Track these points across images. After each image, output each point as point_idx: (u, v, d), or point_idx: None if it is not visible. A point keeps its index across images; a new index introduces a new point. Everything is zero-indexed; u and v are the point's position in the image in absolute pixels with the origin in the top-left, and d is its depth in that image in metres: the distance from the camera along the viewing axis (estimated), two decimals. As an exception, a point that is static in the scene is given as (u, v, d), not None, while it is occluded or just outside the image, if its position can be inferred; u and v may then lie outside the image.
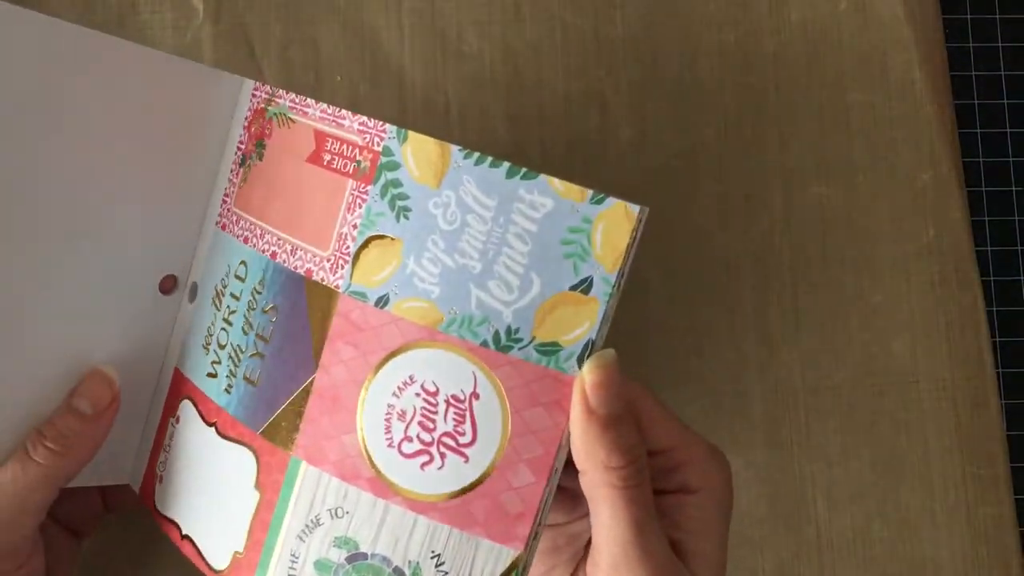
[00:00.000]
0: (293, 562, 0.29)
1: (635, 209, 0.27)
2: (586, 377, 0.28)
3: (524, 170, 0.28)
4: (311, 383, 0.29)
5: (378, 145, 0.29)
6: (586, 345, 0.28)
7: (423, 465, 0.28)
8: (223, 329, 0.32)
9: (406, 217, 0.28)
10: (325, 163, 0.30)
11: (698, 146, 0.41)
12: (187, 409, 0.32)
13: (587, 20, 0.42)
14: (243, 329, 0.31)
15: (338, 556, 0.28)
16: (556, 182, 0.28)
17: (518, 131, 0.41)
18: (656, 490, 0.30)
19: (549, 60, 0.41)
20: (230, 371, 0.31)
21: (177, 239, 0.33)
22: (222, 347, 0.32)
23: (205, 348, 0.32)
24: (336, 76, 0.41)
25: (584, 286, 0.28)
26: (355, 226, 0.29)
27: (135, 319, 0.33)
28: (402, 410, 0.28)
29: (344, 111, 0.30)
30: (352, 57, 0.41)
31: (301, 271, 0.30)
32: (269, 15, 0.41)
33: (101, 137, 0.30)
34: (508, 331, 0.28)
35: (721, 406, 0.40)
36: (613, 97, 0.41)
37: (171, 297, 0.34)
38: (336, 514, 0.28)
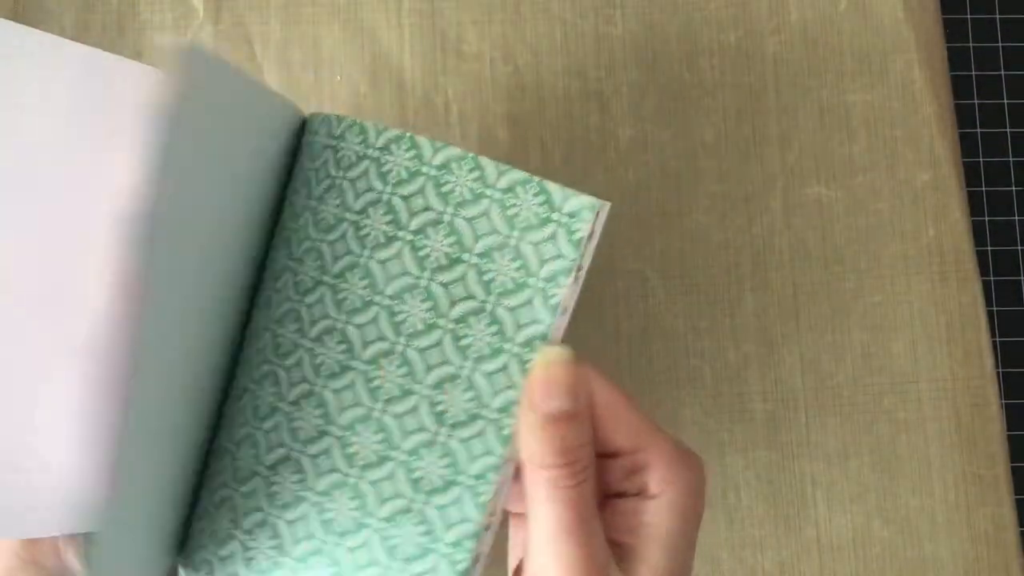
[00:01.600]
0: None
1: (595, 204, 0.28)
2: (535, 371, 0.28)
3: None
4: None
5: None
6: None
7: None
8: None
9: None
10: None
11: (698, 146, 0.41)
12: None
13: (587, 20, 0.42)
14: None
15: None
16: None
17: (518, 131, 0.41)
18: (616, 492, 0.29)
19: (549, 60, 0.41)
20: None
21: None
22: None
23: None
24: (336, 76, 0.41)
25: None
26: None
27: None
28: None
29: None
30: (352, 57, 0.41)
31: None
32: (269, 15, 0.41)
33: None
34: None
35: (721, 406, 0.40)
36: (613, 97, 0.41)
37: None
38: None
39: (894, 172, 0.41)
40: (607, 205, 0.28)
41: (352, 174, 0.29)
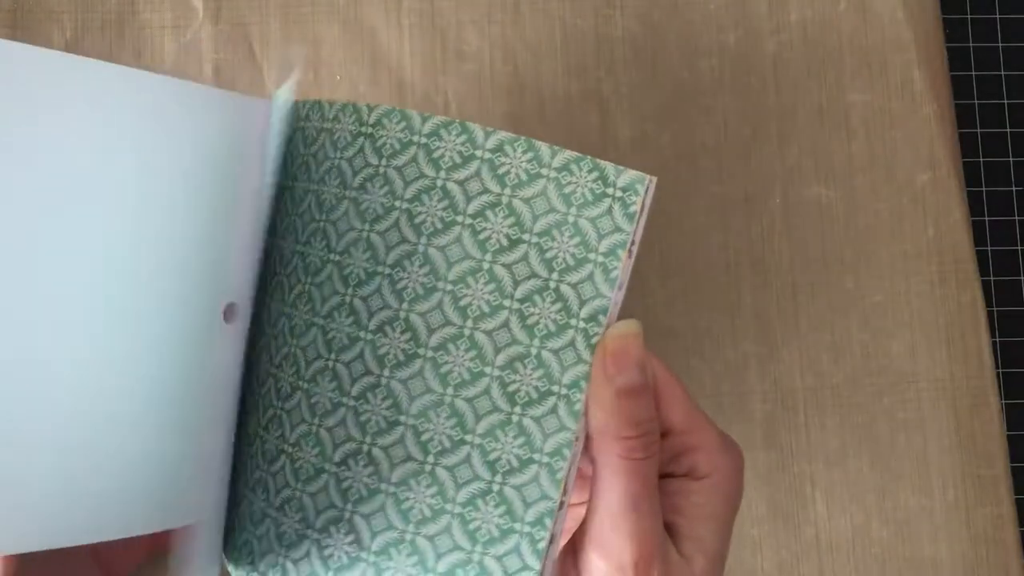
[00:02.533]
0: None
1: (644, 178, 0.28)
2: (607, 344, 0.28)
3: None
4: None
5: None
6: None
7: None
8: None
9: None
10: None
11: (698, 146, 0.41)
12: None
13: (587, 20, 0.42)
14: None
15: None
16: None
17: (517, 131, 0.41)
18: (665, 472, 0.30)
19: (549, 60, 0.41)
20: None
21: (234, 265, 0.33)
22: None
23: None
24: (336, 76, 0.41)
25: None
26: None
27: (204, 350, 0.32)
28: None
29: None
30: (352, 57, 0.41)
31: None
32: (269, 15, 0.41)
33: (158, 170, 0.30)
34: None
35: (721, 406, 0.40)
36: (613, 97, 0.41)
37: (233, 325, 0.33)
38: None
39: (894, 172, 0.41)
40: (655, 179, 0.28)
41: (398, 162, 0.29)
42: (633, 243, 0.28)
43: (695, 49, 0.42)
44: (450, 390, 0.28)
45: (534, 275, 0.28)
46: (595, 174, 0.29)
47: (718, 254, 0.41)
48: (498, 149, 0.29)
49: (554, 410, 0.28)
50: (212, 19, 0.41)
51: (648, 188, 0.28)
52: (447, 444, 0.28)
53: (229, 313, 0.32)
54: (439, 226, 0.29)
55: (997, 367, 0.42)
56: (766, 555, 0.40)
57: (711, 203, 0.41)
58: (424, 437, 0.28)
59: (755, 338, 0.41)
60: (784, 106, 0.42)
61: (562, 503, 0.28)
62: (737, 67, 0.42)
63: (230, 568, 0.31)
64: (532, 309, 0.28)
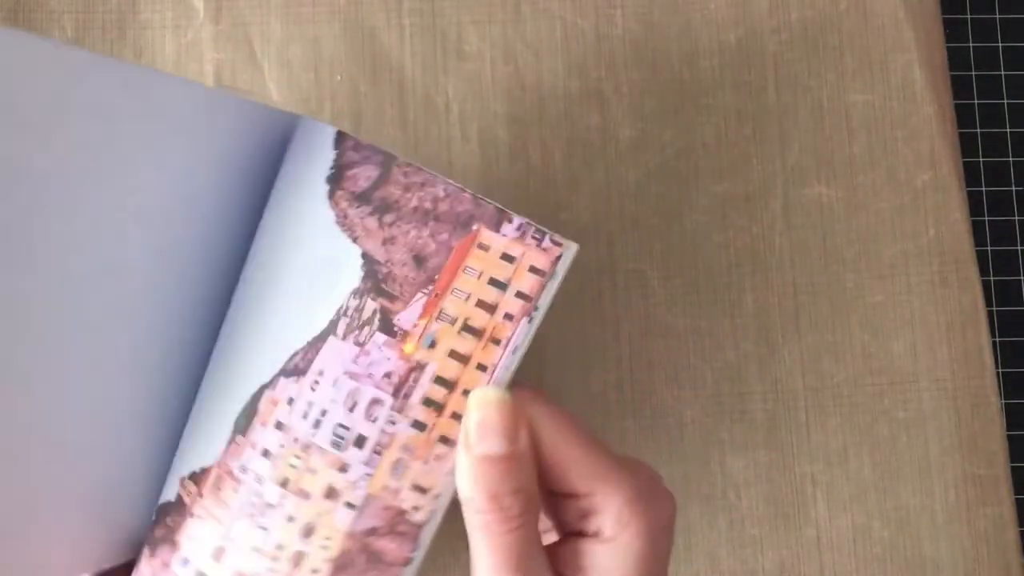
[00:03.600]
0: None
1: (558, 246, 0.27)
2: (469, 412, 0.27)
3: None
4: None
5: None
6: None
7: None
8: None
9: None
10: None
11: (698, 146, 0.41)
12: None
13: (587, 19, 0.42)
14: None
15: None
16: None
17: (518, 131, 0.41)
18: (574, 531, 0.29)
19: (549, 60, 0.41)
20: None
21: None
22: None
23: None
24: (336, 76, 0.41)
25: None
26: None
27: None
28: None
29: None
30: (352, 57, 0.41)
31: None
32: (269, 15, 0.41)
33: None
34: None
35: (722, 406, 0.40)
36: (613, 96, 0.41)
37: None
38: None
39: (894, 172, 0.41)
40: (573, 248, 0.27)
41: None
42: (535, 309, 0.28)
43: (696, 48, 0.42)
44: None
45: None
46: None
47: (719, 254, 0.41)
48: None
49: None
50: (212, 19, 0.41)
51: (562, 258, 0.28)
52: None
53: None
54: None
55: (997, 367, 0.42)
56: (767, 555, 0.40)
57: (712, 202, 0.41)
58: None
59: (756, 338, 0.41)
60: (785, 105, 0.42)
61: None
62: (737, 67, 0.42)
63: None
64: None
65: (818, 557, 0.40)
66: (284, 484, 0.28)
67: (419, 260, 0.28)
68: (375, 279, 0.28)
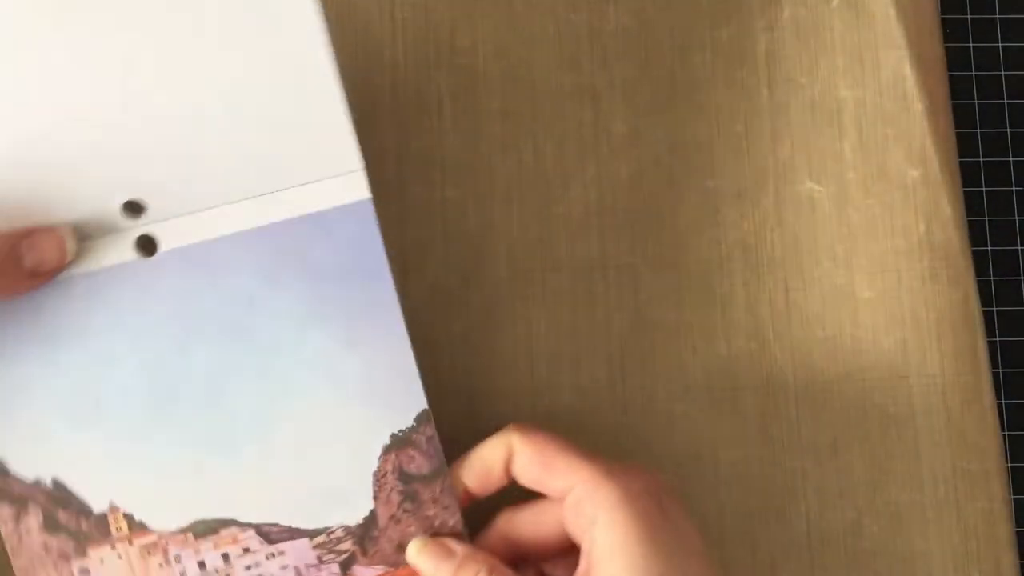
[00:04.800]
0: None
1: None
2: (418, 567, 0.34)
3: None
4: None
5: None
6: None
7: None
8: None
9: None
10: None
11: (690, 142, 0.42)
12: None
13: (580, 15, 0.42)
14: None
15: None
16: None
17: (510, 126, 0.41)
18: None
19: (542, 55, 0.42)
20: None
21: None
22: None
23: None
24: (330, 71, 0.41)
25: None
26: None
27: None
28: None
29: None
30: (344, 51, 0.41)
31: None
32: (264, 10, 0.42)
33: None
34: None
35: (713, 402, 0.41)
36: (606, 92, 0.42)
37: None
38: None
39: (885, 168, 0.42)
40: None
41: None
42: None
43: (688, 44, 0.42)
44: None
45: None
46: None
47: (710, 249, 0.41)
48: None
49: None
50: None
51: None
52: None
53: None
54: None
55: (997, 367, 0.42)
56: (758, 549, 0.40)
57: (703, 198, 0.41)
58: None
59: (747, 333, 0.41)
60: (776, 102, 0.42)
61: None
62: (729, 63, 0.42)
63: None
64: None
65: (808, 552, 0.40)
66: None
67: (400, 548, 0.34)
68: (364, 533, 0.34)
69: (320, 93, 0.33)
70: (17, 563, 0.33)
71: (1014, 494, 0.41)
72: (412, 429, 0.34)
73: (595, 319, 0.41)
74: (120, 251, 0.33)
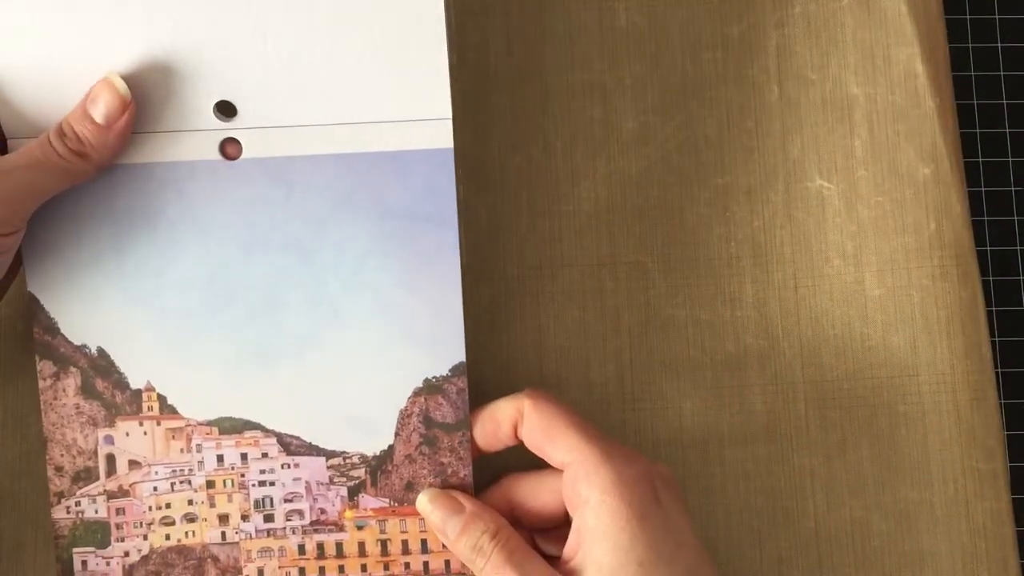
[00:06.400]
0: None
1: None
2: (427, 517, 0.35)
3: None
4: None
5: None
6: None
7: None
8: None
9: None
10: None
11: (700, 139, 0.42)
12: None
13: (590, 12, 0.42)
14: None
15: None
16: None
17: (520, 123, 0.41)
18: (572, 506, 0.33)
19: (551, 52, 0.42)
20: None
21: None
22: None
23: None
24: (339, 66, 0.41)
25: None
26: None
27: None
28: None
29: None
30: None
31: None
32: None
33: None
34: None
35: (722, 399, 0.41)
36: (616, 89, 0.41)
37: None
38: None
39: (895, 166, 0.42)
40: None
41: None
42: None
43: (698, 41, 0.42)
44: None
45: None
46: None
47: (720, 246, 0.41)
48: None
49: None
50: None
51: None
52: None
53: None
54: None
55: (997, 367, 0.42)
56: (765, 547, 0.40)
57: (713, 195, 0.41)
58: None
59: (756, 331, 0.41)
60: (787, 99, 0.42)
61: None
62: (740, 60, 0.42)
63: None
64: None
65: (816, 550, 0.40)
66: (210, 486, 0.35)
67: (409, 486, 0.35)
68: (378, 465, 0.35)
69: (427, 35, 0.33)
70: (47, 419, 0.35)
71: (1014, 494, 0.41)
72: (446, 378, 0.35)
73: (604, 316, 0.41)
74: (205, 149, 0.34)
